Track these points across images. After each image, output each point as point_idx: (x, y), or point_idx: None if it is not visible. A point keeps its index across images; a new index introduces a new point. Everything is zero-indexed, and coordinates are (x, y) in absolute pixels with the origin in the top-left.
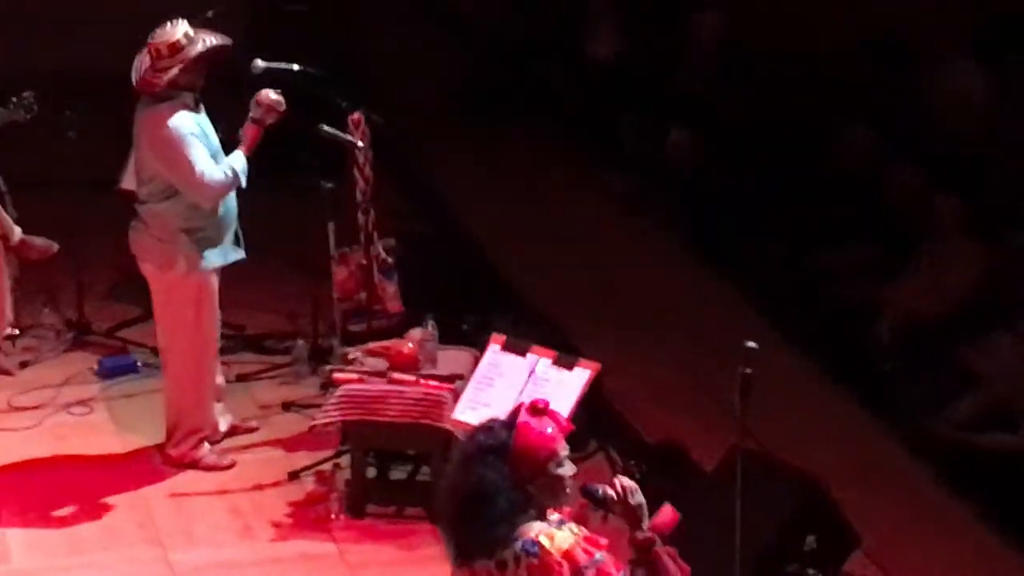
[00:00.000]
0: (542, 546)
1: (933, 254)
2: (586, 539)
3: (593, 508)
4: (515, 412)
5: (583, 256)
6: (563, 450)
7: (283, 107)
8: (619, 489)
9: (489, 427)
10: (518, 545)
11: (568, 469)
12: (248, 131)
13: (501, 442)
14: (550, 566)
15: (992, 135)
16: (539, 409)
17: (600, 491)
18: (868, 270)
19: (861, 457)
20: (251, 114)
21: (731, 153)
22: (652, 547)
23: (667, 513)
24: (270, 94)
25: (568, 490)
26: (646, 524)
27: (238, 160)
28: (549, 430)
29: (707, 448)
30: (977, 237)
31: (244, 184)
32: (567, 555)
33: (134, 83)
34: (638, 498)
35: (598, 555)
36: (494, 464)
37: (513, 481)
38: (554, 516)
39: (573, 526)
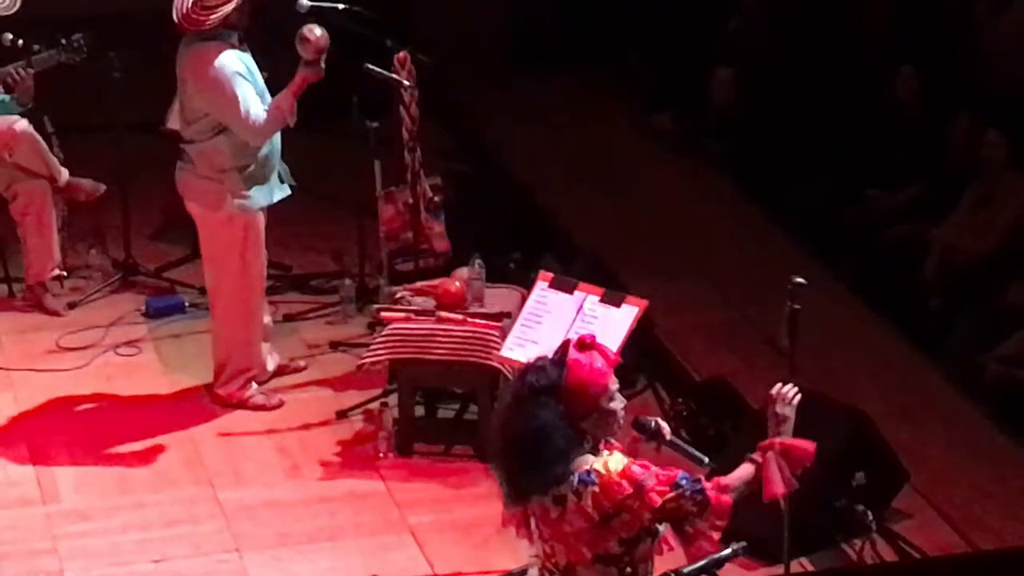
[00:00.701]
0: (599, 472)
1: (980, 192)
2: (639, 461)
3: (645, 441)
4: (563, 349)
5: (631, 196)
6: (614, 384)
7: (327, 40)
8: (775, 393)
9: (539, 366)
10: (575, 479)
11: (619, 403)
12: (300, 73)
13: (552, 381)
14: (611, 486)
15: None
16: (587, 344)
17: (652, 423)
18: (916, 208)
19: (909, 394)
20: (302, 55)
21: (777, 92)
22: (767, 451)
23: (808, 446)
24: (314, 29)
25: (619, 424)
26: (781, 437)
27: (285, 100)
28: (599, 365)
29: (755, 385)
30: None
31: (292, 123)
32: (624, 474)
33: (176, 21)
34: (786, 411)
35: (654, 468)
36: (547, 404)
37: (567, 419)
38: (605, 452)
39: (623, 454)
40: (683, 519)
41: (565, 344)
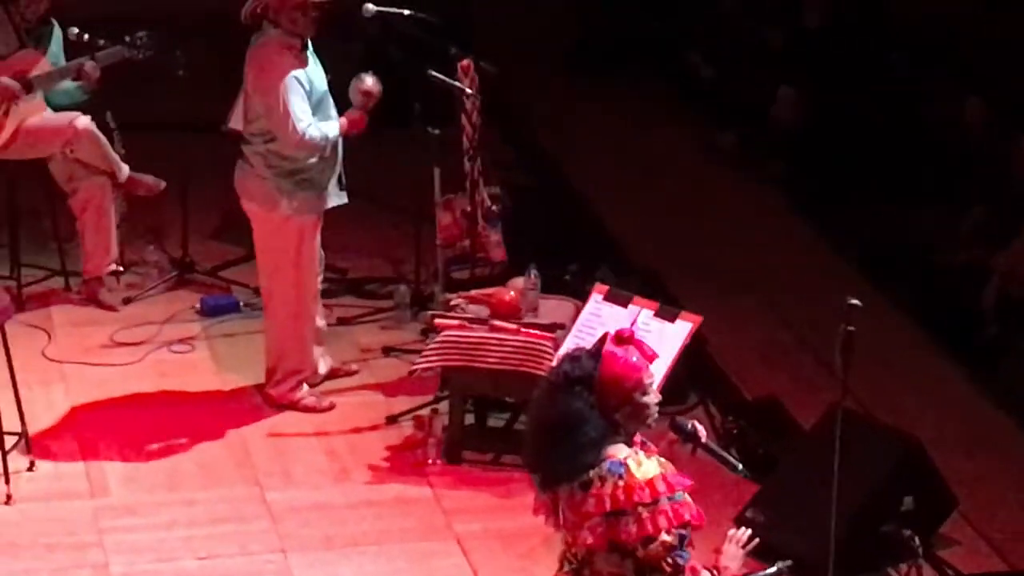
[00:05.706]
0: (628, 468)
1: None
2: (672, 475)
3: (682, 443)
4: (601, 342)
5: (687, 212)
6: (648, 378)
7: (379, 92)
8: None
9: (575, 357)
10: (605, 466)
11: (653, 397)
12: (352, 116)
13: (587, 372)
14: (633, 488)
15: None
16: (624, 338)
17: (689, 425)
18: (977, 234)
19: (962, 421)
20: (353, 101)
21: (839, 112)
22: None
23: None
24: (367, 80)
25: (653, 418)
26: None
27: (333, 130)
28: (635, 359)
29: (807, 407)
30: None
31: (327, 154)
32: (650, 483)
33: (243, 18)
34: (731, 564)
35: (679, 494)
36: (581, 394)
37: (600, 410)
38: (642, 454)
39: (661, 459)
40: (654, 567)
41: (604, 337)
